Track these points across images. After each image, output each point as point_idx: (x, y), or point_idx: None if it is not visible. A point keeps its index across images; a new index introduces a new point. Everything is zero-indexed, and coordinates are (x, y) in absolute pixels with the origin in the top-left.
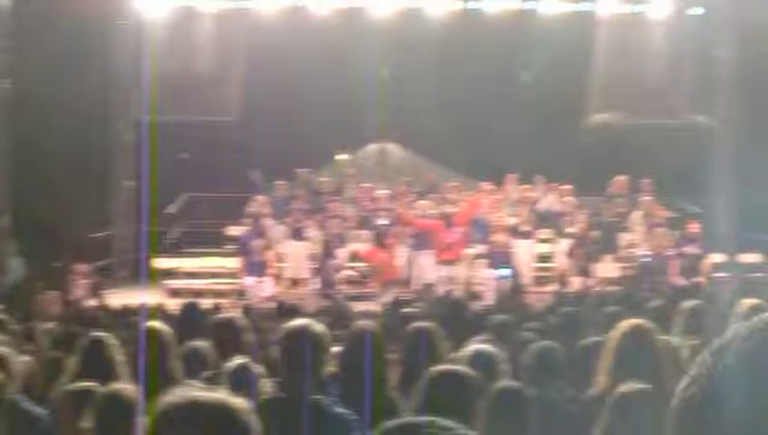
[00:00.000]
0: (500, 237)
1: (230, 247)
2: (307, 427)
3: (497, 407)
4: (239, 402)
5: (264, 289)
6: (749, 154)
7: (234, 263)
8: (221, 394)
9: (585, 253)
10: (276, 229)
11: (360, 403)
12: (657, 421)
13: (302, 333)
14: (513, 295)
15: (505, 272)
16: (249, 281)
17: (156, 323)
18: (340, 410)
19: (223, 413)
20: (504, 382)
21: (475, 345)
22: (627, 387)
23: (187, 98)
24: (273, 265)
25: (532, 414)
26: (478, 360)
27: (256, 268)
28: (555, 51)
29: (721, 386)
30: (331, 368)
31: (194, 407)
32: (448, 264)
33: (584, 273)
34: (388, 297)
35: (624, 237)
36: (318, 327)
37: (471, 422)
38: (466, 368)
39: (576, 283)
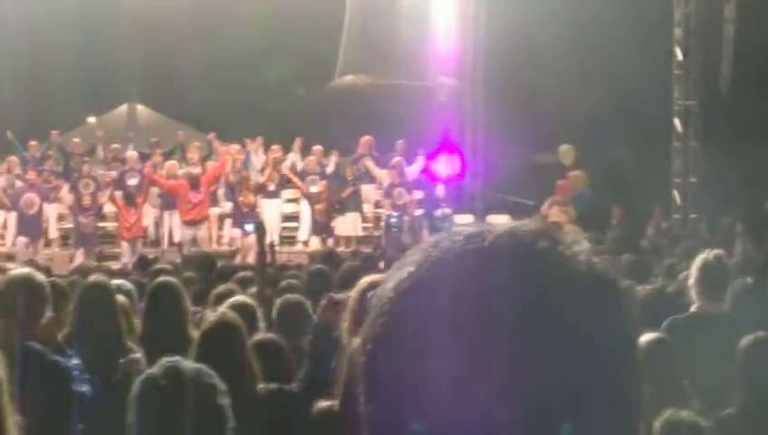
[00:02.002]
0: (247, 197)
1: None
2: (19, 374)
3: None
4: None
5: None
6: (497, 117)
7: None
8: None
9: (328, 213)
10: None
11: (96, 356)
12: None
13: (20, 281)
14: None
15: (250, 227)
16: (21, 241)
17: None
18: (57, 358)
19: None
20: (263, 334)
21: (235, 297)
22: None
23: None
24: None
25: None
26: (238, 310)
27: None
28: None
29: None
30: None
31: None
32: (194, 224)
33: (327, 232)
34: (134, 256)
35: (370, 197)
36: (39, 277)
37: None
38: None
39: (318, 242)
